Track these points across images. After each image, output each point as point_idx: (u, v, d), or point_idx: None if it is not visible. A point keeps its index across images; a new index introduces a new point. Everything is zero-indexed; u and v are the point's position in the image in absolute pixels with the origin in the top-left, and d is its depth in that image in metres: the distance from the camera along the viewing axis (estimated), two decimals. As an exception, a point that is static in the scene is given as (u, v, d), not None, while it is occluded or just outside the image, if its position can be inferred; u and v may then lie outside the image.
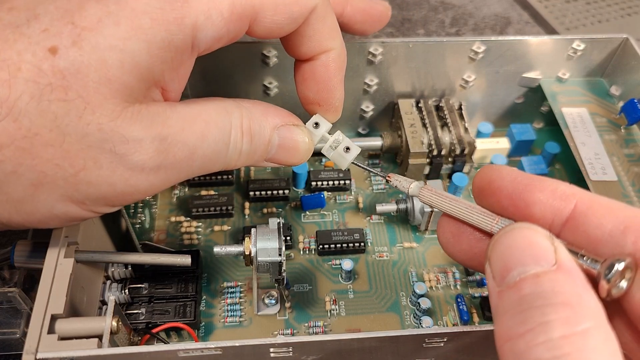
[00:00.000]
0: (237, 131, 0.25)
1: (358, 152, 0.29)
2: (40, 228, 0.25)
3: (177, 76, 0.24)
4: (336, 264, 0.38)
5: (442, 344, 0.27)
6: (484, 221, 0.22)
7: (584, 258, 0.20)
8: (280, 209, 0.41)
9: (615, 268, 0.18)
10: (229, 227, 0.39)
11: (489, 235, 0.23)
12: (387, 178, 0.27)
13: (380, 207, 0.39)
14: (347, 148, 0.28)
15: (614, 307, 0.20)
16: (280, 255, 0.31)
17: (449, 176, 0.41)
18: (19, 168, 0.21)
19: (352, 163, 0.29)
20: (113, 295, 0.32)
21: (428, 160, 0.40)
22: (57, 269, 0.27)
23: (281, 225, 0.32)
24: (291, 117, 0.28)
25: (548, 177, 0.22)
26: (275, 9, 0.24)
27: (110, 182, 0.23)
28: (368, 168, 0.29)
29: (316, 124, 0.29)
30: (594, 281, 0.19)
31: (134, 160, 0.22)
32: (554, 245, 0.19)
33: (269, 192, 0.40)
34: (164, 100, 0.24)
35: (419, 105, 0.42)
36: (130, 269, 0.33)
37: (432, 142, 0.40)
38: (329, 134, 0.29)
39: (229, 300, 0.35)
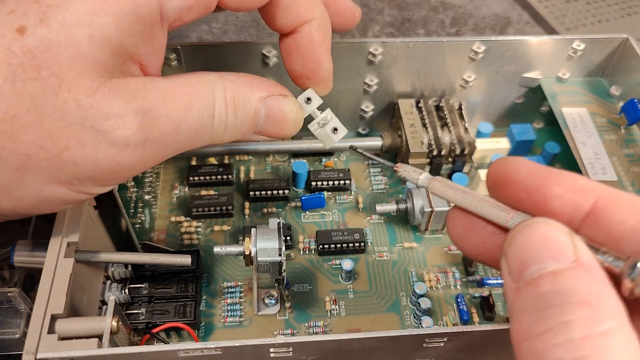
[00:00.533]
0: (221, 103, 0.25)
1: (345, 133, 0.28)
2: (34, 214, 0.25)
3: (152, 50, 0.24)
4: (336, 264, 0.38)
5: (442, 344, 0.27)
6: (499, 215, 0.22)
7: (606, 255, 0.19)
8: (280, 209, 0.41)
9: (639, 266, 0.18)
10: (229, 227, 0.39)
11: (503, 229, 0.22)
12: (394, 168, 0.25)
13: (380, 207, 0.39)
14: (335, 129, 0.28)
15: (636, 305, 0.19)
16: (280, 255, 0.31)
17: (449, 176, 0.41)
18: (1, 152, 0.21)
19: (360, 152, 0.28)
20: (113, 295, 0.32)
21: (428, 160, 0.40)
22: (57, 269, 0.27)
23: (281, 225, 0.32)
24: (278, 87, 0.27)
25: (567, 171, 0.21)
26: None
27: (96, 160, 0.22)
28: (373, 156, 0.27)
29: (308, 99, 0.28)
30: (615, 280, 0.18)
31: (118, 135, 0.22)
32: (574, 242, 0.18)
33: (269, 192, 0.40)
34: (144, 75, 0.24)
35: (419, 105, 0.42)
36: (130, 269, 0.33)
37: (432, 142, 0.40)
38: (319, 111, 0.29)
39: (229, 300, 0.35)
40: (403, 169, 0.25)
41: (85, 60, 0.21)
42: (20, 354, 0.24)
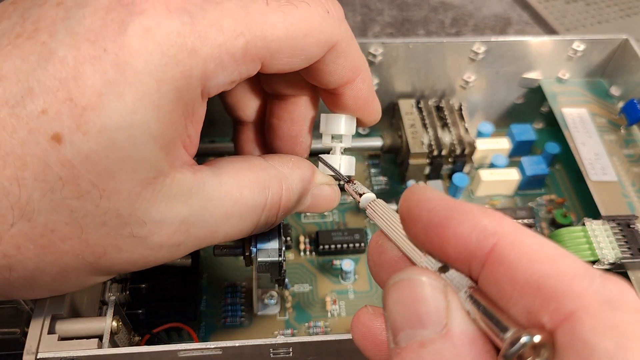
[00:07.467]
0: (273, 207, 0.25)
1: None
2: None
3: (192, 124, 0.22)
4: (336, 264, 0.38)
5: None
6: (414, 255, 0.19)
7: (494, 320, 0.15)
8: (280, 209, 0.41)
9: (518, 345, 0.14)
10: (229, 227, 0.39)
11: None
12: (347, 182, 0.25)
13: (380, 208, 0.38)
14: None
15: None
16: (280, 255, 0.31)
17: (449, 176, 0.41)
18: (40, 264, 0.21)
19: (327, 165, 0.28)
20: (113, 296, 0.32)
21: (428, 160, 0.40)
22: (57, 269, 0.27)
23: (281, 225, 0.32)
24: (325, 177, 0.27)
25: (477, 205, 0.17)
26: (291, 51, 0.22)
27: (130, 261, 0.22)
28: (334, 169, 0.28)
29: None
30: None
31: (153, 241, 0.22)
32: (447, 303, 0.16)
33: (269, 192, 0.40)
34: (184, 147, 0.22)
35: (419, 105, 0.42)
36: (130, 269, 0.33)
37: (433, 143, 0.40)
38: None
39: (229, 300, 0.35)
40: (352, 187, 0.24)
41: (126, 165, 0.20)
42: (21, 354, 0.24)
